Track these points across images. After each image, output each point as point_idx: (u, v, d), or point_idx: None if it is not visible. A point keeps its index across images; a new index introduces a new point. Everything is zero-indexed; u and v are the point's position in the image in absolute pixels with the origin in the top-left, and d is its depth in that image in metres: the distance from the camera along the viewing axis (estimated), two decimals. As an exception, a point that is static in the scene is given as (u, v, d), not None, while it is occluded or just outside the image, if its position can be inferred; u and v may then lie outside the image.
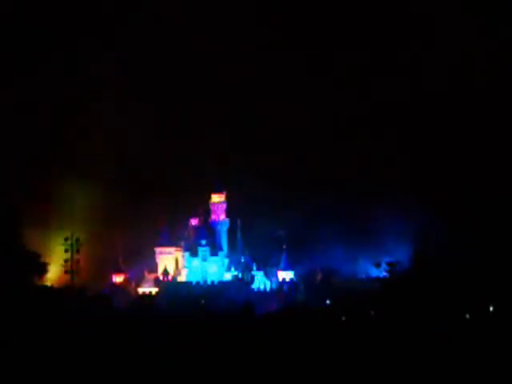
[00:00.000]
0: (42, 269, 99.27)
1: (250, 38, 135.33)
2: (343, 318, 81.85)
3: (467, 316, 79.92)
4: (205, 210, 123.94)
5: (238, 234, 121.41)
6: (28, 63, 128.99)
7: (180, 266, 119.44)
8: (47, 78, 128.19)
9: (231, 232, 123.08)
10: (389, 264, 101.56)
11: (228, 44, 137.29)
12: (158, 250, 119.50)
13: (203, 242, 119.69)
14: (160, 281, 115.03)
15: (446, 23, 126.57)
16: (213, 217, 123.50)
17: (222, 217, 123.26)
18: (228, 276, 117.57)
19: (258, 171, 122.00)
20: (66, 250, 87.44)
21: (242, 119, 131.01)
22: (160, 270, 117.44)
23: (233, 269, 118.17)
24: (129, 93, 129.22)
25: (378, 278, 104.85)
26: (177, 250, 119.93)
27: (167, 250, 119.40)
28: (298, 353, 48.32)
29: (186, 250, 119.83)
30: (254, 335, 61.34)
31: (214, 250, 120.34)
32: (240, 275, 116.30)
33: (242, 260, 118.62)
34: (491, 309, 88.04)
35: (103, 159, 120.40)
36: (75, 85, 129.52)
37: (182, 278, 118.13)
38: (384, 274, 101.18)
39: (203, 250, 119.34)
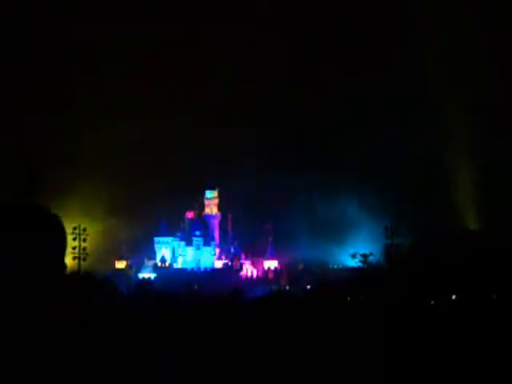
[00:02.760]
0: None
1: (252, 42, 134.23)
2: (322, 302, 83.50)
3: (432, 302, 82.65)
4: (199, 205, 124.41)
5: (229, 227, 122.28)
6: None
7: (176, 254, 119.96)
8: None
9: (222, 225, 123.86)
10: (363, 255, 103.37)
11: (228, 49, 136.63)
12: (156, 239, 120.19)
13: (197, 233, 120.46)
14: (158, 267, 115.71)
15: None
16: (206, 211, 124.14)
17: (215, 211, 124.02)
18: (219, 264, 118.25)
19: (247, 170, 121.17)
20: (74, 239, 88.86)
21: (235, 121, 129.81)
22: (158, 257, 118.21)
23: (223, 257, 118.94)
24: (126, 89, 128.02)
25: (353, 268, 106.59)
26: (174, 240, 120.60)
27: (165, 239, 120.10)
28: (284, 332, 48.59)
29: (181, 239, 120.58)
30: (242, 315, 63.00)
31: (207, 240, 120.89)
32: (230, 263, 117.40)
33: (232, 250, 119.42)
34: (453, 297, 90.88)
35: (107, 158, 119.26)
36: (74, 80, 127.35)
37: (177, 265, 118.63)
38: (359, 264, 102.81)
39: (197, 240, 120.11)
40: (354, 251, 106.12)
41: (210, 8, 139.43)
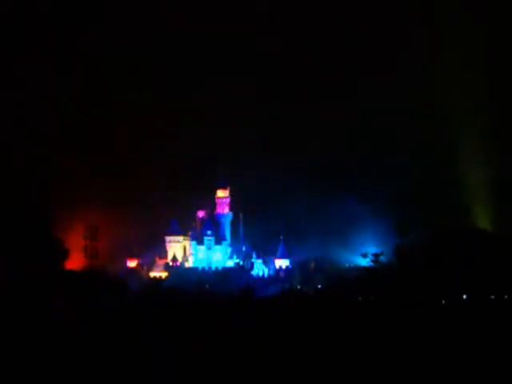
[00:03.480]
0: (65, 255, 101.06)
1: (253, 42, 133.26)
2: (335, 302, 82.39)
3: (443, 302, 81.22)
4: (210, 204, 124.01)
5: (240, 226, 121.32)
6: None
7: (187, 253, 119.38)
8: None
9: (234, 224, 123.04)
10: (374, 255, 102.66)
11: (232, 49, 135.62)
12: (168, 238, 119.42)
13: (209, 232, 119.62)
14: (169, 266, 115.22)
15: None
16: (218, 210, 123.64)
17: (226, 210, 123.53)
18: (230, 263, 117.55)
19: (259, 170, 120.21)
20: (85, 238, 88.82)
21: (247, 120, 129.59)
22: (170, 256, 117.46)
23: (235, 257, 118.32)
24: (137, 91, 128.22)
25: (364, 267, 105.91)
26: (185, 239, 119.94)
27: (176, 238, 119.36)
28: (294, 333, 47.23)
29: (193, 239, 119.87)
30: (253, 315, 61.92)
31: (218, 239, 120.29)
32: (241, 262, 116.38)
33: (243, 249, 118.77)
34: (464, 297, 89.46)
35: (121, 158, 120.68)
36: (83, 81, 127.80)
37: (189, 264, 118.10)
38: (370, 263, 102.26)
39: (208, 240, 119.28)
40: (365, 251, 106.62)
41: (210, 8, 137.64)
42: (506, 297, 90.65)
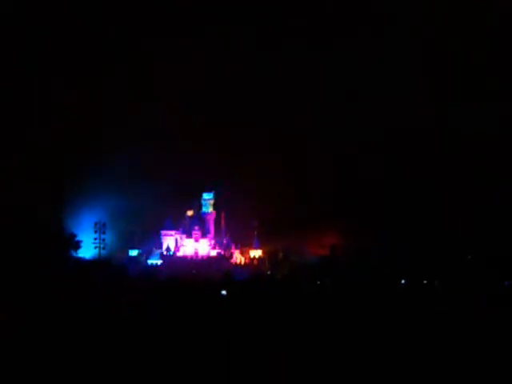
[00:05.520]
0: (77, 245, 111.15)
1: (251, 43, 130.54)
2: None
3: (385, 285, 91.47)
4: (198, 205, 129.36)
5: (222, 223, 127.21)
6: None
7: (179, 244, 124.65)
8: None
9: (217, 221, 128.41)
10: (331, 246, 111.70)
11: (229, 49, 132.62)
12: (163, 232, 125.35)
13: (196, 227, 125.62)
14: (164, 255, 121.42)
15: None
16: (203, 209, 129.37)
17: (210, 210, 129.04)
18: (213, 253, 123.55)
19: (239, 175, 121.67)
20: (95, 231, 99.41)
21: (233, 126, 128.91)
22: (164, 247, 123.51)
23: (217, 248, 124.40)
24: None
25: (323, 256, 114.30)
26: (177, 233, 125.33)
27: (170, 232, 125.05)
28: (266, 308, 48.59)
29: (183, 233, 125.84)
30: (233, 295, 68.52)
31: (204, 233, 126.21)
32: (222, 252, 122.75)
33: (224, 241, 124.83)
34: (402, 282, 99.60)
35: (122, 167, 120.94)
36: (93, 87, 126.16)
37: (179, 254, 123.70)
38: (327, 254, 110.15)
39: (196, 234, 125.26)
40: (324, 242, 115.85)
41: (211, 7, 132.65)
42: (436, 282, 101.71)
